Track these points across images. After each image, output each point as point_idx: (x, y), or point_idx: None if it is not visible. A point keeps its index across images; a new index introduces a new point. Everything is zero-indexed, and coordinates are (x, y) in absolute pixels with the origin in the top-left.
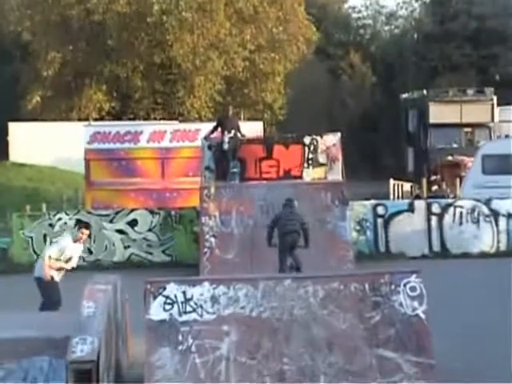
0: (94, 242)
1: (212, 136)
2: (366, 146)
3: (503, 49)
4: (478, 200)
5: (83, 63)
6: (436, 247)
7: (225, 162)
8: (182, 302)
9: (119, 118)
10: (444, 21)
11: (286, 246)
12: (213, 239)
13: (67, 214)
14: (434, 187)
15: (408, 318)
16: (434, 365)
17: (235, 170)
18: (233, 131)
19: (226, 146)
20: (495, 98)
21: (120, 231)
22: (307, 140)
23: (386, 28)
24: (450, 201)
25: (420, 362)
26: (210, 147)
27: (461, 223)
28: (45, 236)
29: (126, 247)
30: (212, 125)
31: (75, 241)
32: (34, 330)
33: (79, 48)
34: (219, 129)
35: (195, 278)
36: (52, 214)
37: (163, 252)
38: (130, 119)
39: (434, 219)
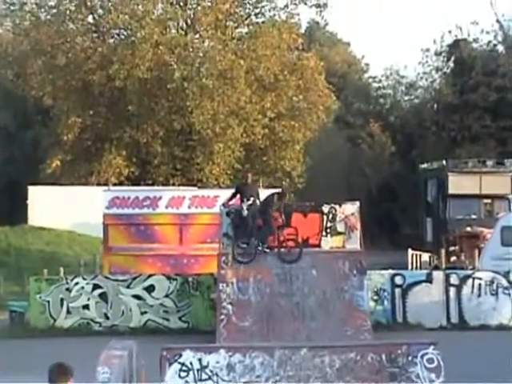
0: (111, 307)
1: (230, 203)
2: (384, 216)
3: None
4: (497, 272)
5: (103, 128)
6: (454, 319)
7: (243, 228)
8: (197, 370)
9: (138, 184)
10: (464, 92)
11: None
12: (230, 306)
13: (84, 279)
14: (453, 258)
15: None
16: None
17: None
18: (252, 198)
19: (245, 213)
20: None
21: (137, 297)
22: (326, 209)
23: (406, 98)
24: (468, 272)
25: None
26: (228, 214)
27: (479, 295)
28: (62, 300)
29: (142, 313)
30: (231, 191)
31: None
32: None
33: (100, 113)
34: (238, 196)
35: (211, 345)
36: (69, 279)
37: (180, 318)
38: (148, 184)
39: (452, 290)
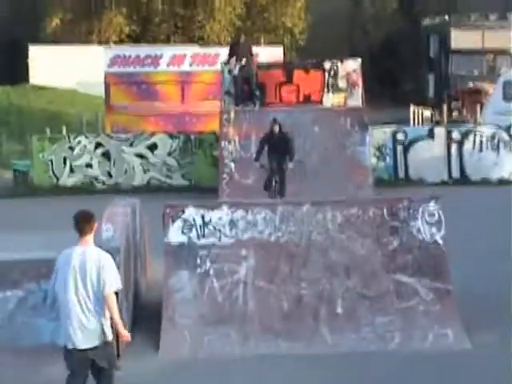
0: (114, 165)
1: (231, 61)
2: (386, 72)
3: None
4: (499, 126)
5: None
6: (455, 174)
7: (236, 88)
8: (200, 226)
9: (139, 42)
10: None
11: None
12: (232, 164)
13: (87, 138)
14: (455, 113)
15: (426, 244)
16: (450, 290)
17: (256, 93)
18: (244, 59)
19: (235, 72)
20: None
21: (139, 155)
22: (327, 65)
23: None
24: (470, 127)
25: (437, 288)
26: (230, 72)
27: (481, 150)
28: (65, 159)
29: (145, 171)
30: None
31: None
32: (55, 250)
33: None
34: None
35: (214, 201)
36: (72, 137)
37: (182, 176)
38: (149, 43)
39: (453, 146)
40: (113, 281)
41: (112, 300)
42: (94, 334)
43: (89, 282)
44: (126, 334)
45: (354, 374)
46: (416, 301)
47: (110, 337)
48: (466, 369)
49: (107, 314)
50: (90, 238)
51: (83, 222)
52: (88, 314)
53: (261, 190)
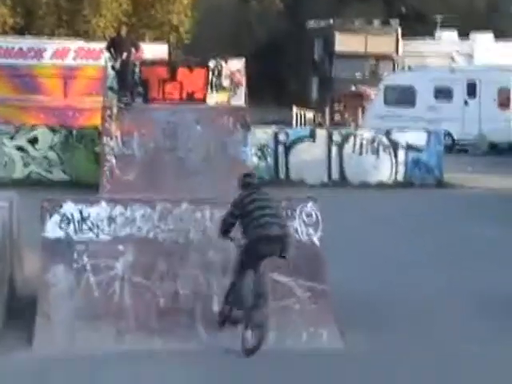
0: None
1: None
2: (271, 73)
3: None
4: (378, 131)
5: None
6: (335, 176)
7: (120, 83)
8: (78, 221)
9: (23, 34)
10: None
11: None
12: (113, 160)
13: None
14: (337, 116)
15: (303, 244)
16: (326, 290)
17: (139, 89)
18: (125, 54)
19: (117, 67)
20: (400, 30)
21: (20, 148)
22: (212, 64)
23: None
24: (351, 130)
25: (313, 287)
26: (113, 67)
27: (360, 153)
28: None
29: (25, 165)
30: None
31: None
32: None
33: None
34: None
35: (92, 197)
36: None
37: (63, 171)
38: (33, 35)
39: (334, 148)
40: None
41: None
42: None
43: None
44: None
45: (226, 372)
46: (292, 300)
47: None
48: (336, 368)
49: None
50: None
51: None
52: None
53: (141, 186)
